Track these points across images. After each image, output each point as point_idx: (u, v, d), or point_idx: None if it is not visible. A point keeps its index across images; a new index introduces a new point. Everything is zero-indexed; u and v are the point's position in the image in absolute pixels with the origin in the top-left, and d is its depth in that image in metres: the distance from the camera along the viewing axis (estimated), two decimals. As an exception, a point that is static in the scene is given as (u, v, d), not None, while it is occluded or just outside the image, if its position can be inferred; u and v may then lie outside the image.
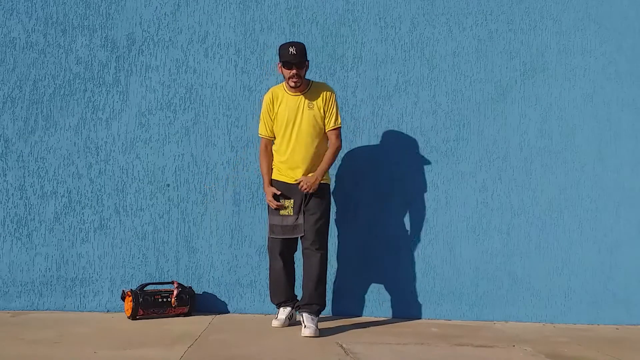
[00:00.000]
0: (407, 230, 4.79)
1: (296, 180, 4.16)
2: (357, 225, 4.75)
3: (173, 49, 4.73)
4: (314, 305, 4.13)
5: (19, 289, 4.54)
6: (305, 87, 4.21)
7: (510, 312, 4.78)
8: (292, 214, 4.13)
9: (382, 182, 4.79)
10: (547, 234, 4.85)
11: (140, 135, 4.68)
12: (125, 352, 3.50)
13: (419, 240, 4.79)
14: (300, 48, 4.10)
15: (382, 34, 4.85)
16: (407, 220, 4.80)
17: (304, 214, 4.12)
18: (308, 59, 4.21)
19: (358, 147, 4.75)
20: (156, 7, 4.73)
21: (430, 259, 4.79)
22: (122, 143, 4.67)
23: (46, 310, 4.53)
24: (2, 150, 4.60)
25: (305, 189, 4.11)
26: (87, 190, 4.63)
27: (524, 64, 4.91)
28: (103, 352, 3.48)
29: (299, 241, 4.23)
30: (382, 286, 4.75)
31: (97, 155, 4.65)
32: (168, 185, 4.68)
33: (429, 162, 4.83)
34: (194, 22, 4.75)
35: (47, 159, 4.62)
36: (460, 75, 4.88)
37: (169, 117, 4.71)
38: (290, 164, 4.18)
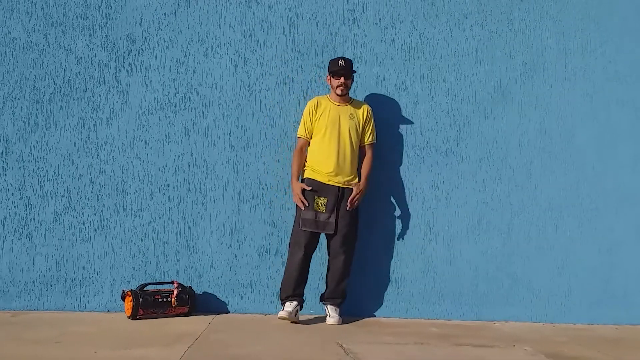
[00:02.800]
0: (407, 230, 4.79)
1: (342, 182, 4.46)
2: (357, 224, 4.74)
3: (173, 49, 4.73)
4: (338, 299, 4.52)
5: (19, 289, 4.54)
6: (348, 101, 4.58)
7: (510, 312, 4.78)
8: (325, 211, 4.42)
9: (382, 182, 4.79)
10: (547, 234, 4.85)
11: (140, 135, 4.68)
12: (126, 352, 3.49)
13: (419, 240, 4.79)
14: (349, 62, 4.54)
15: (382, 34, 4.85)
16: (407, 220, 4.80)
17: (337, 214, 4.43)
18: (354, 74, 4.57)
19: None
20: (156, 7, 4.74)
21: (430, 259, 4.79)
22: (122, 143, 4.67)
23: (46, 310, 4.52)
24: (2, 150, 4.60)
25: (356, 194, 4.48)
26: (87, 190, 4.63)
27: (524, 64, 4.91)
28: (103, 352, 3.47)
29: (319, 240, 4.50)
30: (382, 286, 4.76)
31: (97, 155, 4.65)
32: (168, 185, 4.68)
33: (429, 162, 4.83)
34: (193, 22, 4.75)
35: (47, 159, 4.62)
36: (460, 75, 4.88)
37: (169, 117, 4.71)
38: (329, 167, 4.45)
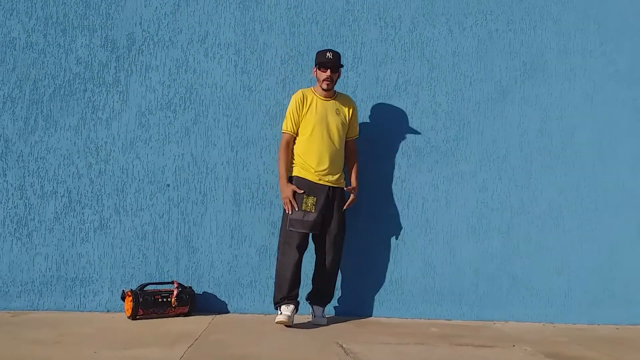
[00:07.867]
0: (407, 230, 4.79)
1: (332, 181, 4.38)
2: (357, 224, 4.74)
3: (173, 49, 4.73)
4: (327, 299, 4.52)
5: (19, 289, 4.54)
6: (333, 95, 4.48)
7: (510, 312, 4.78)
8: (314, 211, 4.30)
9: (382, 182, 4.79)
10: (547, 234, 4.85)
11: (140, 135, 4.68)
12: (125, 352, 3.50)
13: (419, 240, 4.79)
14: (337, 54, 4.42)
15: (382, 33, 4.85)
16: (407, 220, 4.80)
17: (326, 214, 4.36)
18: (342, 68, 4.46)
19: (358, 148, 4.74)
20: (156, 7, 4.74)
21: (430, 259, 4.79)
22: (122, 143, 4.67)
23: (46, 310, 4.53)
24: (2, 150, 4.60)
25: (353, 200, 4.50)
26: (87, 190, 4.63)
27: (524, 64, 4.92)
28: (103, 352, 3.48)
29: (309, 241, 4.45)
30: (382, 286, 4.76)
31: (97, 155, 4.65)
32: (168, 185, 4.68)
33: (429, 162, 4.83)
34: (194, 22, 4.75)
35: (47, 159, 4.62)
36: (460, 75, 4.88)
37: (169, 117, 4.71)
38: (321, 166, 4.35)
